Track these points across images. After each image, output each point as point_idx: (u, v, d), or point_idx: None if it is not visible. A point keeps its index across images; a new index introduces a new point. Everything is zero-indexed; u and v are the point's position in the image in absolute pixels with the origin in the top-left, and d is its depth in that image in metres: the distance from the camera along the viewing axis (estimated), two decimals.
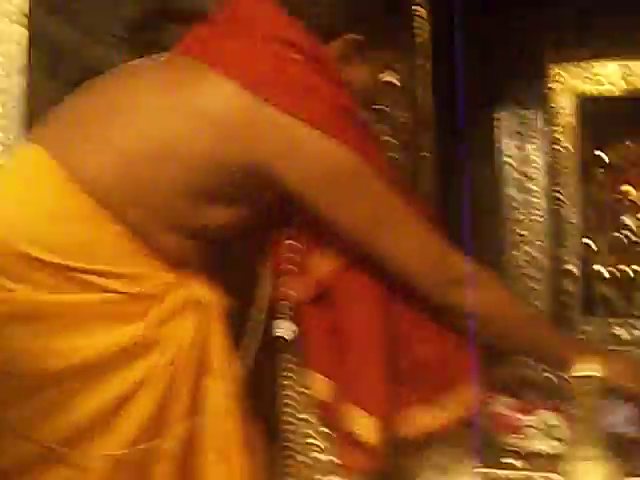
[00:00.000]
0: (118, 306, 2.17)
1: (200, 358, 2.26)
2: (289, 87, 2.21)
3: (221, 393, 2.29)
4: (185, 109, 2.18)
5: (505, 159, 4.08)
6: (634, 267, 4.30)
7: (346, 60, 2.50)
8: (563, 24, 4.00)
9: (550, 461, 2.78)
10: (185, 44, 2.37)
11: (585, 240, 4.29)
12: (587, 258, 4.30)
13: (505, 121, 4.13)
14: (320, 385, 2.52)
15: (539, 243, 4.00)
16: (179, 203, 2.20)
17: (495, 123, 4.10)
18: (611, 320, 4.21)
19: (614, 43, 3.98)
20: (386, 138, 2.99)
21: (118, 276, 2.15)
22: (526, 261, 4.00)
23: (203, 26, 2.41)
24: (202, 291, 2.32)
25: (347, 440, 2.37)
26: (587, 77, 4.21)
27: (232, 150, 2.17)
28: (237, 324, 2.55)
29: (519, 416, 2.90)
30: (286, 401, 2.75)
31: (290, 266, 2.50)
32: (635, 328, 4.14)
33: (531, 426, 2.88)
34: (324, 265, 2.48)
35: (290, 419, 2.75)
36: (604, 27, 3.92)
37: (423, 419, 2.42)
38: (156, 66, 2.32)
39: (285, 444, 2.79)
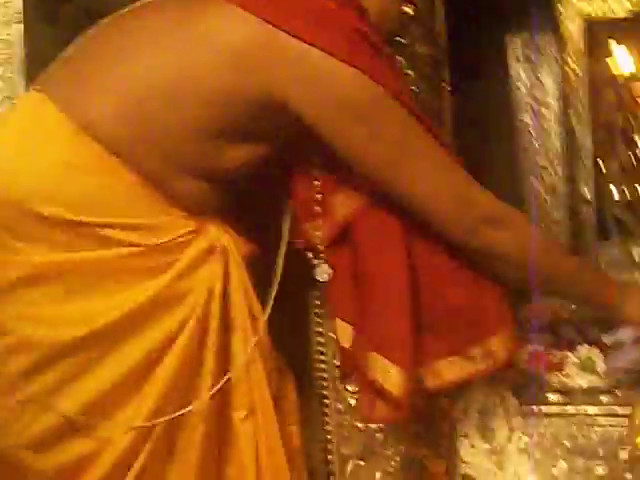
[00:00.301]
0: (138, 260, 2.10)
1: (225, 309, 2.20)
2: (305, 14, 2.10)
3: (247, 346, 2.23)
4: (200, 42, 2.08)
5: (517, 85, 4.04)
6: None
7: None
8: None
9: (590, 395, 2.82)
10: None
11: (598, 162, 4.33)
12: (600, 181, 4.34)
13: (516, 47, 4.07)
14: (343, 332, 2.45)
15: (554, 169, 3.98)
16: (195, 144, 2.12)
17: (507, 49, 4.04)
18: (627, 243, 4.22)
19: None
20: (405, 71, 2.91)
21: (135, 227, 2.07)
22: (542, 188, 3.99)
23: None
24: (223, 238, 2.24)
25: (370, 389, 2.28)
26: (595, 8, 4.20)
27: (249, 82, 2.08)
28: (262, 267, 2.50)
29: (557, 353, 2.93)
30: (318, 348, 2.75)
31: (313, 206, 2.41)
32: None
33: (570, 362, 2.92)
34: (346, 204, 2.38)
35: (322, 365, 2.76)
36: None
37: (452, 370, 2.34)
38: (164, 2, 2.21)
39: (319, 391, 2.81)
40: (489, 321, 2.37)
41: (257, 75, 2.07)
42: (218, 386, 2.24)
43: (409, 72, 2.88)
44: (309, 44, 2.08)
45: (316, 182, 2.39)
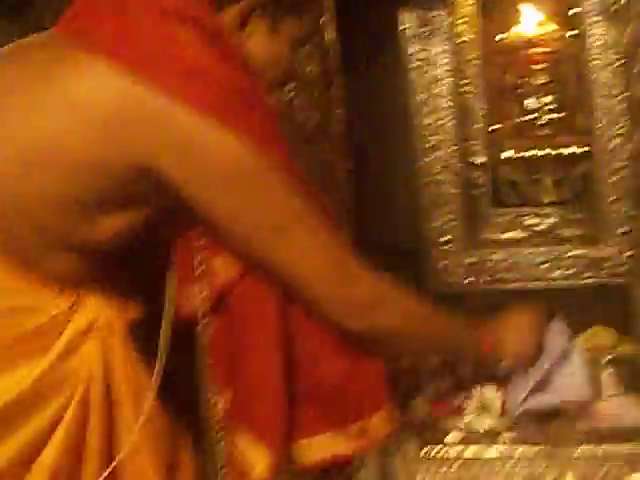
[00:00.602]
0: (20, 343, 2.00)
1: (109, 387, 2.11)
2: (177, 69, 1.87)
3: (134, 424, 2.14)
4: (63, 105, 1.89)
5: (411, 63, 3.98)
6: (541, 151, 4.44)
7: (245, 29, 2.13)
8: None
9: (490, 437, 2.90)
10: (64, 20, 2.06)
11: (492, 128, 4.38)
12: (495, 148, 4.41)
13: (409, 24, 3.97)
14: (218, 401, 2.35)
15: (450, 147, 4.01)
16: (63, 217, 1.96)
17: (399, 26, 3.94)
18: (523, 210, 4.33)
19: None
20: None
21: (11, 311, 1.98)
22: (438, 166, 4.04)
23: None
24: (104, 312, 2.13)
25: (237, 464, 2.20)
26: None
27: (117, 149, 1.89)
28: (149, 332, 2.39)
29: (456, 396, 3.08)
30: (209, 410, 2.59)
31: (193, 270, 2.25)
32: (548, 217, 4.33)
33: (469, 404, 3.08)
34: (226, 269, 2.22)
35: (216, 428, 2.56)
36: None
37: (327, 447, 2.24)
38: (30, 49, 2.03)
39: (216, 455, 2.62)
40: (368, 399, 2.29)
41: (125, 141, 1.90)
42: (105, 473, 2.19)
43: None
44: (182, 106, 1.87)
45: (197, 244, 2.24)
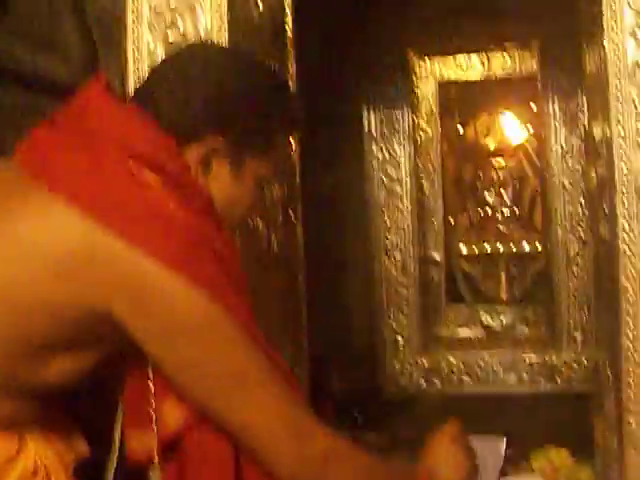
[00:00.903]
0: None
1: None
2: (137, 215, 1.80)
3: None
4: (17, 246, 1.82)
5: (372, 161, 3.97)
6: (498, 245, 4.45)
7: (209, 170, 2.01)
8: (425, 22, 3.83)
9: None
10: (23, 153, 1.94)
11: (449, 221, 4.38)
12: (453, 244, 4.42)
13: (371, 123, 3.97)
14: None
15: (407, 247, 3.99)
16: (10, 359, 1.86)
17: (362, 125, 3.94)
18: (479, 307, 4.32)
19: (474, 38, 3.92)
20: None
21: None
22: (394, 266, 4.02)
23: (43, 128, 1.98)
24: (45, 455, 2.03)
25: None
26: (449, 67, 4.24)
27: (67, 289, 1.80)
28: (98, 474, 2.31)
29: None
30: None
31: (144, 412, 2.10)
32: (504, 315, 4.32)
33: None
34: (178, 413, 2.08)
35: None
36: (465, 25, 3.88)
37: None
38: None
39: None
40: None
41: (80, 283, 1.82)
42: None
43: None
44: (140, 253, 1.79)
45: (149, 385, 2.21)
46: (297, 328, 2.75)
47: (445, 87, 4.20)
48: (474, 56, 4.09)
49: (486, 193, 4.30)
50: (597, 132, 2.26)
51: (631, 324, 2.12)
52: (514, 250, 4.42)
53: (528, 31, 3.84)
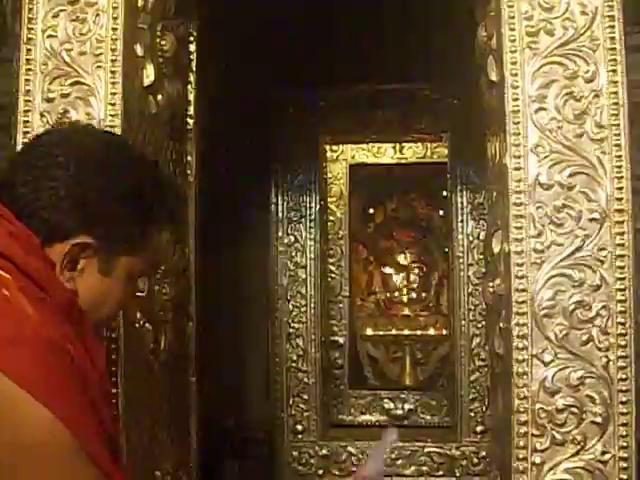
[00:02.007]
0: None
1: None
2: None
3: None
4: None
5: (279, 247, 3.91)
6: (402, 330, 4.42)
7: (77, 268, 1.88)
8: (337, 109, 3.84)
9: None
10: None
11: (355, 304, 4.35)
12: (357, 326, 4.37)
13: (279, 208, 3.92)
14: None
15: (310, 334, 3.93)
16: None
17: (269, 210, 3.89)
18: (382, 393, 4.27)
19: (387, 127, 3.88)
20: None
21: None
22: (297, 354, 3.95)
23: None
24: None
25: None
26: (361, 152, 4.28)
27: None
28: None
29: None
30: None
31: None
32: (406, 402, 4.27)
33: None
34: None
35: None
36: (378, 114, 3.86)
37: None
38: None
39: None
40: None
41: None
42: None
43: None
44: None
45: None
46: (184, 429, 2.62)
47: (356, 170, 4.16)
48: (386, 143, 4.06)
49: (394, 277, 4.25)
50: (495, 246, 2.22)
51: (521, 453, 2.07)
52: (419, 334, 4.37)
53: (441, 122, 3.83)
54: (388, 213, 4.35)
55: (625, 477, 2.07)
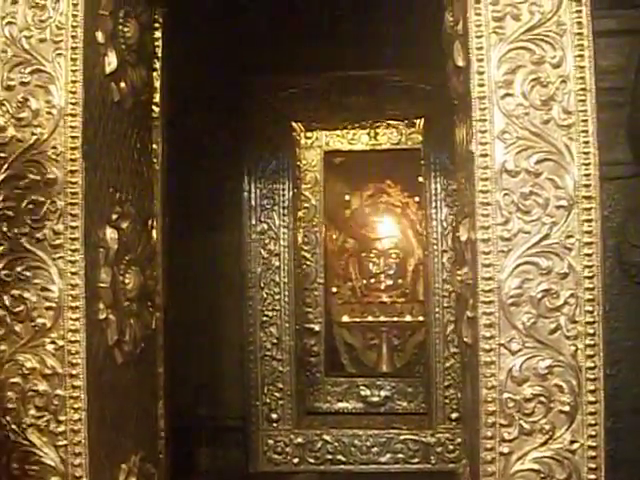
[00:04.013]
0: None
1: None
2: None
3: None
4: None
5: (252, 235, 3.87)
6: (379, 317, 4.40)
7: None
8: (310, 95, 3.80)
9: None
10: None
11: (331, 291, 4.32)
12: (333, 312, 4.35)
13: (252, 196, 3.88)
14: None
15: (284, 322, 3.90)
16: None
17: (242, 198, 3.85)
18: (358, 380, 4.26)
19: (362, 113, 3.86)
20: None
21: None
22: (271, 342, 3.92)
23: None
24: None
25: None
26: (336, 138, 4.24)
27: None
28: None
29: None
30: None
31: None
32: (382, 389, 4.25)
33: None
34: None
35: None
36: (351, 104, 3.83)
37: None
38: None
39: None
40: None
41: None
42: None
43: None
44: None
45: None
46: (151, 420, 2.59)
47: (331, 157, 4.12)
48: (361, 129, 4.02)
49: (370, 263, 4.23)
50: (463, 234, 2.20)
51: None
52: (396, 320, 4.35)
53: (414, 108, 3.79)
54: (364, 200, 4.30)
55: (594, 466, 2.04)
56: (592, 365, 2.00)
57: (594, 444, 2.00)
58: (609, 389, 2.04)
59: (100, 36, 2.22)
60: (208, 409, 3.71)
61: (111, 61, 2.25)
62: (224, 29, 3.49)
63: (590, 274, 1.99)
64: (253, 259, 3.78)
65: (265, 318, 3.80)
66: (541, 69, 2.02)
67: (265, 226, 3.79)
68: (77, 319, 2.09)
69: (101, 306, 2.20)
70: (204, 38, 3.41)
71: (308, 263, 4.00)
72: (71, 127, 2.08)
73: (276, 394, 3.82)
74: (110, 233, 2.24)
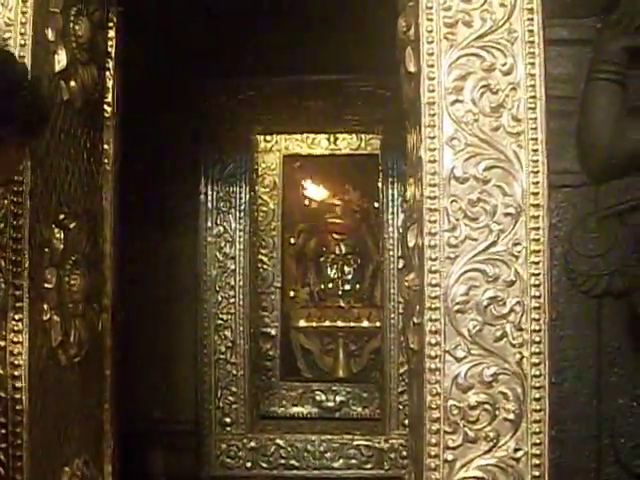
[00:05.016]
0: None
1: None
2: None
3: None
4: None
5: (208, 238, 3.85)
6: (336, 322, 4.40)
7: None
8: (269, 99, 3.79)
9: None
10: None
11: (288, 295, 4.32)
12: (291, 316, 4.34)
13: (208, 198, 3.87)
14: None
15: (239, 325, 3.88)
16: None
17: (199, 200, 3.83)
18: (313, 385, 4.26)
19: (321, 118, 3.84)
20: None
21: None
22: (225, 346, 3.90)
23: None
24: None
25: None
26: (295, 145, 4.26)
27: None
28: None
29: None
30: None
31: None
32: (338, 394, 4.25)
33: None
34: None
35: None
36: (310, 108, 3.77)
37: None
38: None
39: None
40: None
41: None
42: None
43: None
44: None
45: None
46: (97, 423, 2.56)
47: (290, 161, 4.12)
48: (320, 134, 4.02)
49: (328, 268, 4.23)
50: (410, 240, 2.19)
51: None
52: (353, 326, 4.35)
53: (373, 114, 3.79)
54: (323, 204, 4.30)
55: (537, 474, 2.04)
56: (537, 373, 2.00)
57: (538, 452, 2.00)
58: (554, 397, 2.03)
59: (50, 34, 2.18)
60: (161, 412, 3.67)
61: (61, 59, 2.22)
62: (185, 30, 3.46)
63: (537, 282, 1.99)
64: (209, 262, 3.76)
65: (220, 321, 3.78)
66: (491, 76, 2.02)
67: (221, 229, 3.77)
68: (20, 320, 2.04)
69: (45, 307, 2.16)
70: (163, 39, 3.38)
71: (265, 267, 3.99)
72: None
73: (230, 398, 3.80)
74: (56, 233, 2.20)
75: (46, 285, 2.17)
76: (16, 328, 2.06)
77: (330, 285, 4.30)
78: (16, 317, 2.05)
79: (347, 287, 4.38)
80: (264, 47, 3.59)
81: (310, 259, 4.30)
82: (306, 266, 4.28)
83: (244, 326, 3.72)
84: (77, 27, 2.34)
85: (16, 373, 2.07)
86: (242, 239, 3.71)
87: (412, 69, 2.15)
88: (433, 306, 2.02)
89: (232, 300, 3.71)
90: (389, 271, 3.81)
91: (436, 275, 2.03)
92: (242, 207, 3.73)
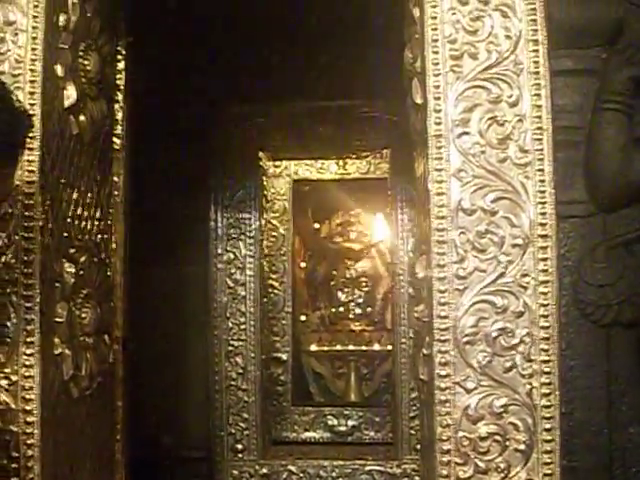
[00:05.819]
0: None
1: None
2: None
3: None
4: None
5: (218, 265, 3.86)
6: (347, 346, 4.40)
7: None
8: (278, 125, 3.81)
9: None
10: None
11: (299, 320, 4.32)
12: (302, 340, 4.34)
13: (218, 225, 3.88)
14: None
15: (250, 351, 3.88)
16: None
17: (209, 227, 3.84)
18: (325, 410, 4.24)
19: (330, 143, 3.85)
20: None
21: None
22: (236, 372, 3.90)
23: None
24: None
25: None
26: (304, 170, 4.26)
27: None
28: None
29: None
30: None
31: None
32: (350, 418, 4.24)
33: None
34: None
35: None
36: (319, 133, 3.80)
37: None
38: None
39: None
40: None
41: None
42: None
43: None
44: None
45: None
46: (109, 455, 2.57)
47: (299, 186, 4.13)
48: (329, 159, 4.04)
49: (339, 292, 4.23)
50: (420, 271, 2.20)
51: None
52: (364, 349, 4.35)
53: (382, 139, 3.81)
54: (333, 228, 4.31)
55: None
56: (548, 403, 1.99)
57: None
58: (564, 427, 2.02)
59: (59, 69, 2.20)
60: (173, 440, 3.67)
61: (70, 94, 2.24)
62: (192, 59, 3.48)
63: (546, 313, 2.00)
64: (219, 289, 3.76)
65: (231, 348, 3.78)
66: (498, 108, 2.03)
67: (231, 255, 3.77)
68: (32, 354, 2.06)
69: (56, 341, 2.17)
70: (171, 68, 3.41)
71: (276, 292, 3.99)
72: (28, 161, 2.06)
73: (241, 424, 3.80)
74: (67, 267, 2.21)
75: (57, 319, 2.18)
76: (28, 362, 2.06)
77: (341, 309, 4.31)
78: (27, 351, 2.06)
79: (358, 311, 4.38)
80: (273, 74, 3.60)
81: (320, 283, 4.31)
82: (317, 290, 4.28)
83: (255, 352, 3.72)
84: (86, 62, 2.36)
85: (28, 407, 2.08)
86: (252, 265, 3.71)
87: (419, 101, 2.16)
88: (442, 338, 2.02)
89: (243, 326, 3.71)
90: (400, 295, 3.79)
91: (445, 307, 2.03)
92: (252, 233, 3.73)
